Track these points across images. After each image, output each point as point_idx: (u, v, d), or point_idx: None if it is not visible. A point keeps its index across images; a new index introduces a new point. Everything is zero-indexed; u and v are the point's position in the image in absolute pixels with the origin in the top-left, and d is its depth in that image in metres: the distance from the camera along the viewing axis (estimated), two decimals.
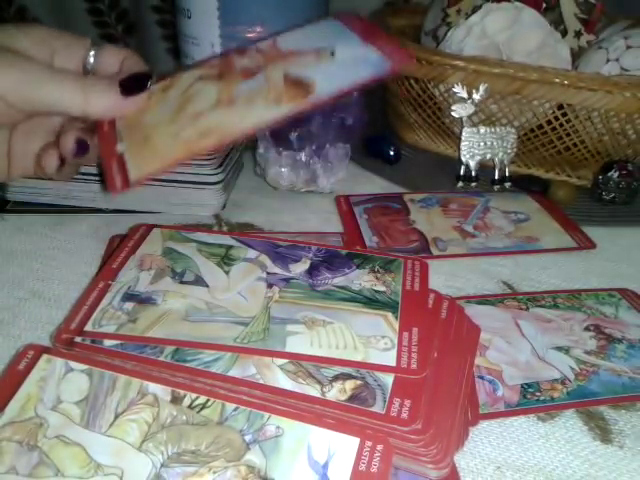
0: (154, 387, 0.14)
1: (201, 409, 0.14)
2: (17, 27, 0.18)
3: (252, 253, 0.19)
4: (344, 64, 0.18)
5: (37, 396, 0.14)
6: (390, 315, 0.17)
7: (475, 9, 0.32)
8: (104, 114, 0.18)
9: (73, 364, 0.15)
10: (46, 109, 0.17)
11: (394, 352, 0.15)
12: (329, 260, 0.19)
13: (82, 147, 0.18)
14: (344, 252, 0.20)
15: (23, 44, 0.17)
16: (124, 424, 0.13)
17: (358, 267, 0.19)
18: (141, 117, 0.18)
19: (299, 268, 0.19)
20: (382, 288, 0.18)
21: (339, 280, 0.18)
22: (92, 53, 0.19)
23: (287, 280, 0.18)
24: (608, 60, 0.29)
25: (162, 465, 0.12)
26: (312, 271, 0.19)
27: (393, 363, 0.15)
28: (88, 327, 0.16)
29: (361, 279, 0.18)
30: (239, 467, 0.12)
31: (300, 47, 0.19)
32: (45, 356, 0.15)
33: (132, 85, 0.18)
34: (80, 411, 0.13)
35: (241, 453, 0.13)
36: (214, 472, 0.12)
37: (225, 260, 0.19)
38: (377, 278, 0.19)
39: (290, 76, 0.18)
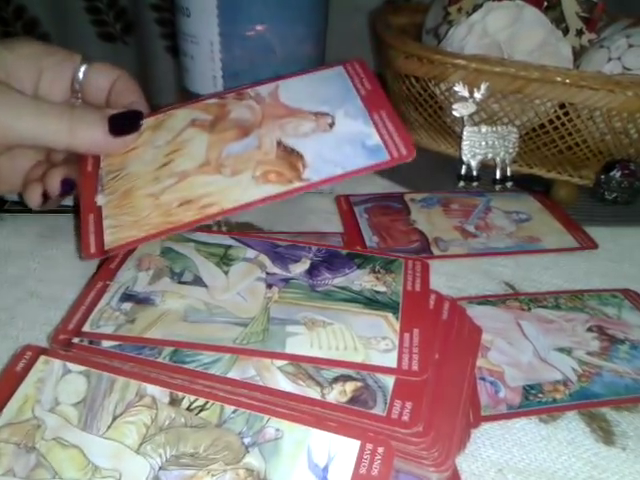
0: (152, 389, 0.14)
1: (199, 411, 0.13)
2: (3, 44, 0.18)
3: (251, 253, 0.19)
4: (341, 143, 0.17)
5: (35, 397, 0.14)
6: (391, 316, 0.17)
7: (476, 7, 0.32)
8: (89, 150, 0.17)
9: (71, 366, 0.14)
10: (30, 143, 0.17)
11: (395, 353, 0.15)
12: (329, 260, 0.19)
13: (67, 187, 0.18)
14: (344, 252, 0.20)
15: (8, 62, 0.17)
16: (122, 426, 0.13)
17: (358, 267, 0.19)
18: (126, 160, 0.18)
19: (299, 268, 0.19)
20: (383, 289, 0.18)
21: (339, 280, 0.18)
22: (82, 69, 0.18)
23: (287, 280, 0.18)
24: (610, 59, 0.29)
25: (160, 468, 0.12)
26: (312, 271, 0.19)
27: (394, 365, 0.15)
28: (86, 328, 0.16)
29: (361, 279, 0.18)
30: (238, 470, 0.12)
31: (301, 103, 0.18)
32: (43, 357, 0.15)
33: (122, 124, 0.18)
34: (78, 413, 0.13)
35: (240, 456, 0.12)
36: (212, 475, 0.12)
37: (224, 260, 0.19)
38: (377, 278, 0.18)
39: (283, 144, 0.17)
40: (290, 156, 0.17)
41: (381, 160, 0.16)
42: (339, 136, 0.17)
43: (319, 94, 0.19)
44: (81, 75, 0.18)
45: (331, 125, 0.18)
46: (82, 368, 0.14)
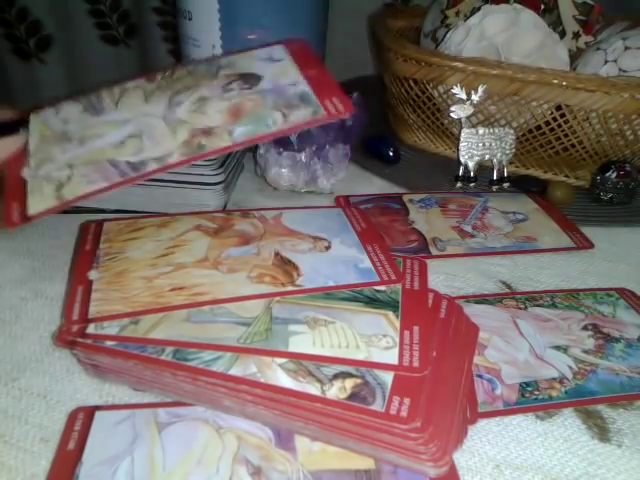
0: None
1: None
2: None
3: None
4: (335, 263, 0.18)
5: None
6: (391, 314, 0.17)
7: (474, 11, 0.32)
8: None
9: None
10: None
11: (396, 350, 0.15)
12: None
13: None
14: None
15: None
16: None
17: None
18: (126, 246, 0.18)
19: None
20: (382, 287, 0.18)
21: None
22: None
23: None
24: (606, 61, 0.29)
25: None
26: None
27: (395, 361, 0.15)
28: (90, 329, 0.16)
29: None
30: None
31: (301, 228, 0.19)
32: None
33: (2, 128, 0.18)
34: None
35: None
36: None
37: None
38: None
39: (280, 255, 0.18)
40: (286, 265, 0.18)
41: (372, 280, 0.17)
42: (334, 257, 0.18)
43: (318, 224, 0.20)
44: None
45: (327, 248, 0.19)
46: None
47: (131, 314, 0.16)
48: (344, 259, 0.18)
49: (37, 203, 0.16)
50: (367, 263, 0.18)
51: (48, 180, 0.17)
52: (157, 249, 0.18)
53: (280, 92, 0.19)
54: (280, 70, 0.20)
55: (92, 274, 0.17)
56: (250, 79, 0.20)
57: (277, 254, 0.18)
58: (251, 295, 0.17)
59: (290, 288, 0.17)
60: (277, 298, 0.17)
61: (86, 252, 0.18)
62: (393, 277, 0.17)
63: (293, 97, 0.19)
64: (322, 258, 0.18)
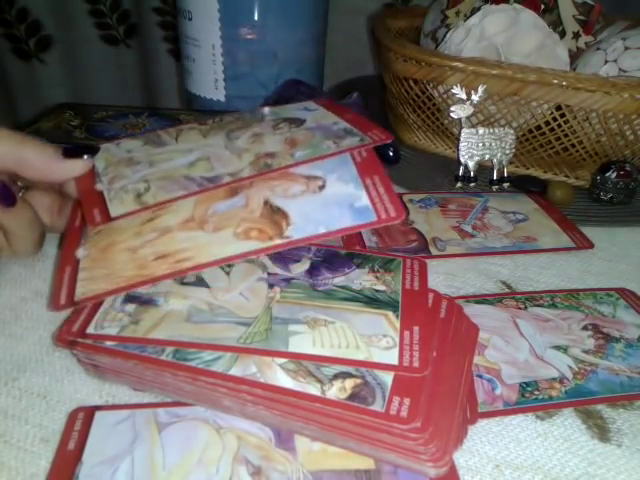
0: None
1: None
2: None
3: None
4: (329, 204, 0.17)
5: None
6: (391, 314, 0.17)
7: (474, 11, 0.32)
8: (39, 170, 0.18)
9: None
10: None
11: (396, 351, 0.15)
12: (329, 260, 0.19)
13: (3, 194, 0.18)
14: (343, 252, 0.20)
15: None
16: None
17: (358, 267, 0.19)
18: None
19: (299, 268, 0.19)
20: (382, 287, 0.18)
21: (339, 280, 0.18)
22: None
23: (288, 280, 0.18)
24: (606, 61, 0.29)
25: None
26: (312, 271, 0.19)
27: (395, 362, 0.15)
28: (90, 329, 0.16)
29: (361, 279, 0.19)
30: None
31: (295, 168, 0.19)
32: None
33: (74, 148, 0.19)
34: None
35: None
36: None
37: None
38: (377, 277, 0.19)
39: (270, 204, 0.17)
40: (275, 214, 0.17)
41: (368, 221, 0.16)
42: (327, 198, 0.17)
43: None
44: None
45: (321, 188, 0.18)
46: None
47: (116, 291, 0.16)
48: (339, 199, 0.17)
49: (119, 208, 0.17)
50: (364, 200, 0.16)
51: (125, 191, 0.17)
52: (144, 214, 0.18)
53: (326, 129, 0.20)
54: (319, 115, 0.22)
55: (79, 252, 0.17)
56: (295, 121, 0.21)
57: (266, 202, 0.17)
58: (235, 255, 0.16)
59: (277, 241, 0.16)
60: (278, 298, 0.17)
61: (75, 229, 0.18)
62: (392, 214, 0.16)
63: (339, 131, 0.20)
64: (315, 200, 0.17)
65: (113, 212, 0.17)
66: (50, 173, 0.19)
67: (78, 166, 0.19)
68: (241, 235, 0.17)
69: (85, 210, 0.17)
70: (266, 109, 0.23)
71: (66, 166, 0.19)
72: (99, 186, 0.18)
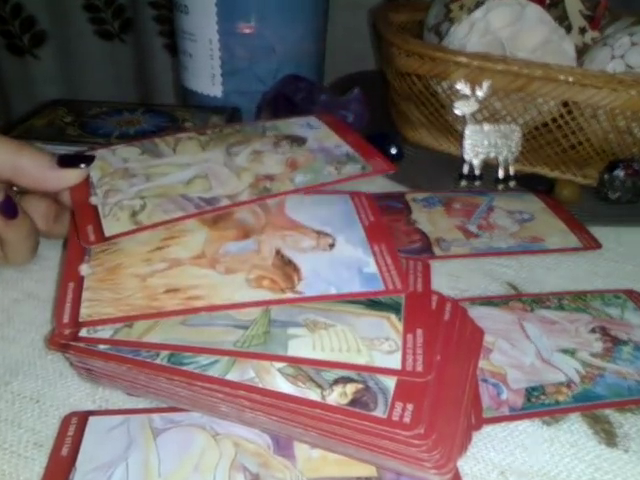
0: None
1: None
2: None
3: None
4: (338, 265, 0.17)
5: None
6: (393, 317, 0.16)
7: (478, 5, 0.31)
8: (34, 175, 0.18)
9: None
10: None
11: (399, 354, 0.15)
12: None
13: (7, 207, 0.17)
14: None
15: None
16: None
17: None
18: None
19: None
20: None
21: None
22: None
23: None
24: (613, 57, 0.29)
25: None
26: None
27: (398, 366, 0.15)
28: (83, 332, 0.15)
29: None
30: None
31: (305, 219, 0.19)
32: None
33: (70, 157, 0.19)
34: None
35: None
36: None
37: None
38: None
39: (281, 254, 0.17)
40: (286, 266, 0.17)
41: (376, 289, 0.16)
42: (337, 258, 0.17)
43: (324, 215, 0.19)
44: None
45: (331, 246, 0.18)
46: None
47: (123, 319, 0.16)
48: (348, 261, 0.17)
49: (113, 226, 0.16)
50: (372, 267, 0.17)
51: (120, 207, 0.17)
52: (152, 240, 0.17)
53: (327, 152, 0.20)
54: (321, 135, 0.22)
55: (84, 269, 0.17)
56: (297, 139, 0.21)
57: (278, 252, 0.18)
58: (248, 302, 0.16)
59: (290, 295, 0.16)
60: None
61: (77, 242, 0.17)
62: (399, 286, 0.17)
63: (340, 156, 0.20)
64: (325, 259, 0.17)
65: (107, 231, 0.16)
66: (45, 182, 0.18)
67: (73, 175, 0.19)
68: (253, 282, 0.17)
69: (79, 226, 0.17)
70: (268, 123, 0.23)
71: (61, 175, 0.18)
72: (94, 199, 0.18)
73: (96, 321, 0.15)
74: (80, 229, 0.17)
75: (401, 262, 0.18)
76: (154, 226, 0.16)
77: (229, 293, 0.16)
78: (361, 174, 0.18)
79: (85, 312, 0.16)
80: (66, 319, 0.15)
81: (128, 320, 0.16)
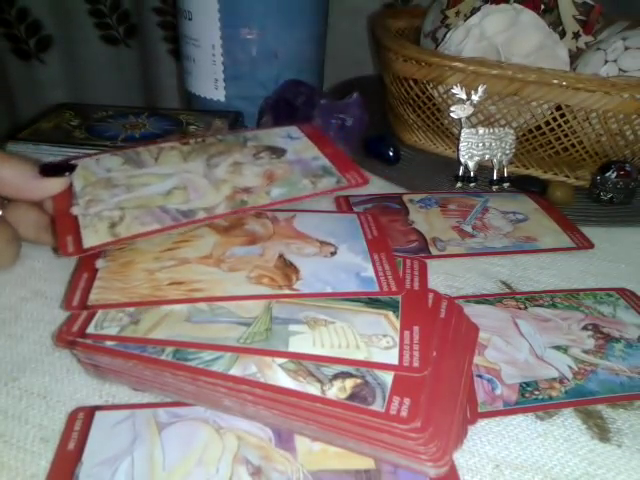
0: None
1: None
2: None
3: None
4: (337, 269, 0.18)
5: None
6: (391, 314, 0.17)
7: (474, 11, 0.32)
8: (16, 184, 0.18)
9: None
10: None
11: (396, 350, 0.15)
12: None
13: None
14: None
15: None
16: None
17: None
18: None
19: None
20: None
21: None
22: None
23: None
24: (606, 61, 0.29)
25: None
26: None
27: (395, 361, 0.15)
28: (90, 329, 0.16)
29: None
30: None
31: (311, 231, 0.19)
32: None
33: (53, 166, 0.19)
34: None
35: None
36: None
37: None
38: None
39: (284, 257, 0.18)
40: (287, 268, 0.18)
41: (371, 290, 0.17)
42: (337, 263, 0.18)
43: (329, 228, 0.20)
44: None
45: (333, 254, 0.19)
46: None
47: (128, 304, 0.16)
48: (347, 266, 0.18)
49: (92, 237, 0.17)
50: (370, 272, 0.18)
51: (100, 218, 0.18)
52: (165, 242, 0.18)
53: (305, 164, 0.21)
54: (300, 146, 0.22)
55: (99, 262, 0.18)
56: (276, 151, 0.22)
57: (281, 256, 0.18)
58: (246, 295, 0.17)
59: (286, 291, 0.17)
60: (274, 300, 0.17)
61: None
62: (394, 288, 0.17)
63: (317, 169, 0.21)
64: (325, 263, 0.18)
65: (86, 242, 0.17)
66: (27, 191, 0.19)
67: (55, 184, 0.19)
68: (253, 279, 0.17)
69: (59, 236, 0.17)
70: (249, 133, 0.23)
71: (42, 185, 0.19)
72: (75, 210, 0.18)
73: (102, 305, 0.16)
74: (60, 239, 0.17)
75: (398, 269, 0.18)
76: (131, 238, 0.17)
77: (229, 288, 0.17)
78: (336, 188, 0.19)
79: (93, 297, 0.16)
80: (75, 302, 0.16)
81: (132, 306, 0.16)
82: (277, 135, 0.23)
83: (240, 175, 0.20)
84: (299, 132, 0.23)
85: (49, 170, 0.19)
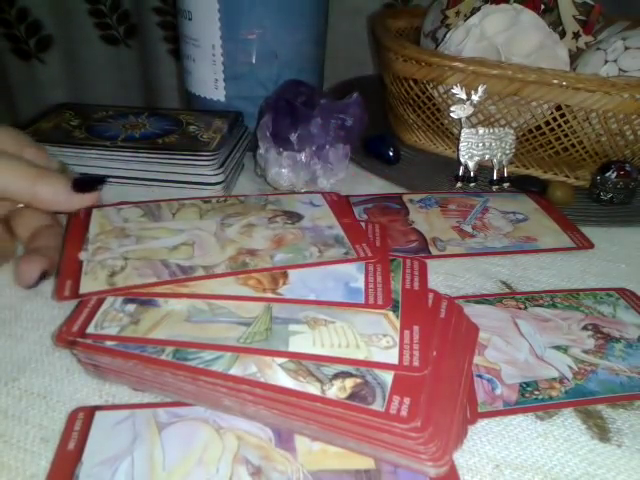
0: None
1: None
2: None
3: None
4: (327, 277, 0.18)
5: None
6: (391, 314, 0.17)
7: (474, 11, 0.32)
8: (51, 199, 0.19)
9: None
10: None
11: (396, 350, 0.15)
12: None
13: (43, 278, 0.19)
14: None
15: None
16: None
17: None
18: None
19: None
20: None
21: None
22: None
23: None
24: (606, 61, 0.29)
25: None
26: None
27: (395, 361, 0.15)
28: (90, 329, 0.16)
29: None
30: None
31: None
32: None
33: (85, 183, 0.20)
34: None
35: None
36: None
37: None
38: None
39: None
40: (277, 273, 0.18)
41: (355, 301, 0.17)
42: (329, 271, 0.18)
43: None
44: None
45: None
46: None
47: (114, 291, 0.17)
48: (338, 275, 0.18)
49: (89, 284, 0.17)
50: (360, 283, 0.18)
51: (103, 266, 0.18)
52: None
53: (318, 232, 0.21)
54: (319, 214, 0.22)
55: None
56: (293, 216, 0.22)
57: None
58: (228, 295, 0.17)
59: (269, 295, 0.17)
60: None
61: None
62: (380, 302, 0.17)
63: (329, 237, 0.20)
64: (317, 270, 0.18)
65: (83, 288, 0.17)
66: (60, 205, 0.20)
67: (86, 199, 0.20)
68: (240, 280, 0.18)
69: (60, 278, 0.18)
70: (272, 197, 0.23)
71: (75, 200, 0.20)
72: (83, 255, 0.19)
73: (94, 292, 0.17)
74: (59, 282, 0.17)
75: (391, 282, 0.18)
76: (126, 289, 0.17)
77: (214, 286, 0.17)
78: (342, 259, 0.19)
79: (85, 287, 0.17)
80: (67, 292, 0.17)
81: (117, 292, 0.17)
82: (299, 201, 0.23)
83: (250, 237, 0.20)
84: (322, 199, 0.24)
85: (82, 185, 0.20)
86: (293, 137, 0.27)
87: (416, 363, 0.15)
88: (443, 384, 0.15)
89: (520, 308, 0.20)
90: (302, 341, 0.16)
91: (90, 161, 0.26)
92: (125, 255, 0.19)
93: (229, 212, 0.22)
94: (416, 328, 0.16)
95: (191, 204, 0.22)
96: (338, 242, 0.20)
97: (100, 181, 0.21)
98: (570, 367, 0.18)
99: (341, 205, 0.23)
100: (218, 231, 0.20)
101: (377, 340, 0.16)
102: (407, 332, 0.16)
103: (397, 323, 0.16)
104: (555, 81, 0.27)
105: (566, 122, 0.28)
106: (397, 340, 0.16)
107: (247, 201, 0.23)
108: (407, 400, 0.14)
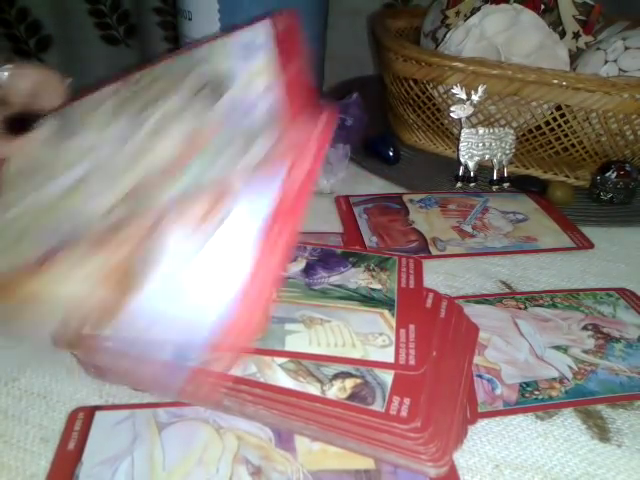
0: None
1: None
2: None
3: None
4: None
5: None
6: (387, 312, 0.17)
7: (474, 11, 0.32)
8: None
9: None
10: None
11: (392, 349, 0.15)
12: (324, 259, 0.19)
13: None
14: (339, 251, 0.20)
15: None
16: None
17: (353, 266, 0.19)
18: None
19: (295, 267, 0.19)
20: (378, 286, 0.18)
21: (335, 279, 0.18)
22: (5, 71, 0.17)
23: (283, 279, 0.18)
24: (606, 61, 0.29)
25: None
26: (308, 270, 0.19)
27: (391, 360, 0.15)
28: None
29: (357, 277, 0.18)
30: None
31: None
32: None
33: (17, 123, 0.17)
34: None
35: None
36: None
37: None
38: (373, 276, 0.19)
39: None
40: None
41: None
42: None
43: None
44: (3, 76, 0.17)
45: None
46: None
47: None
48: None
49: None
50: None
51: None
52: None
53: (241, 115, 0.13)
54: (256, 69, 0.15)
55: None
56: (219, 87, 0.15)
57: None
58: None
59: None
60: (274, 297, 0.17)
61: None
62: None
63: (256, 121, 0.13)
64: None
65: None
66: None
67: (19, 143, 0.16)
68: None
69: None
70: (202, 50, 0.16)
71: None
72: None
73: None
74: None
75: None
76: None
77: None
78: (264, 161, 0.12)
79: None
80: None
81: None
82: (232, 54, 0.16)
83: (161, 140, 0.13)
84: (268, 32, 0.16)
85: (14, 126, 0.16)
86: None
87: (412, 362, 0.15)
88: (443, 384, 0.15)
89: (520, 308, 0.20)
90: (298, 340, 0.15)
91: None
92: (18, 218, 0.13)
93: (148, 97, 0.15)
94: (412, 327, 0.16)
95: (110, 94, 0.16)
96: (266, 127, 0.12)
97: (31, 119, 0.17)
98: (570, 367, 0.18)
99: (290, 40, 0.15)
100: (129, 137, 0.13)
101: (373, 339, 0.16)
102: (403, 331, 0.16)
103: (393, 322, 0.16)
104: (555, 81, 0.27)
105: (566, 122, 0.28)
106: (393, 339, 0.16)
107: (171, 70, 0.16)
108: (407, 400, 0.14)
